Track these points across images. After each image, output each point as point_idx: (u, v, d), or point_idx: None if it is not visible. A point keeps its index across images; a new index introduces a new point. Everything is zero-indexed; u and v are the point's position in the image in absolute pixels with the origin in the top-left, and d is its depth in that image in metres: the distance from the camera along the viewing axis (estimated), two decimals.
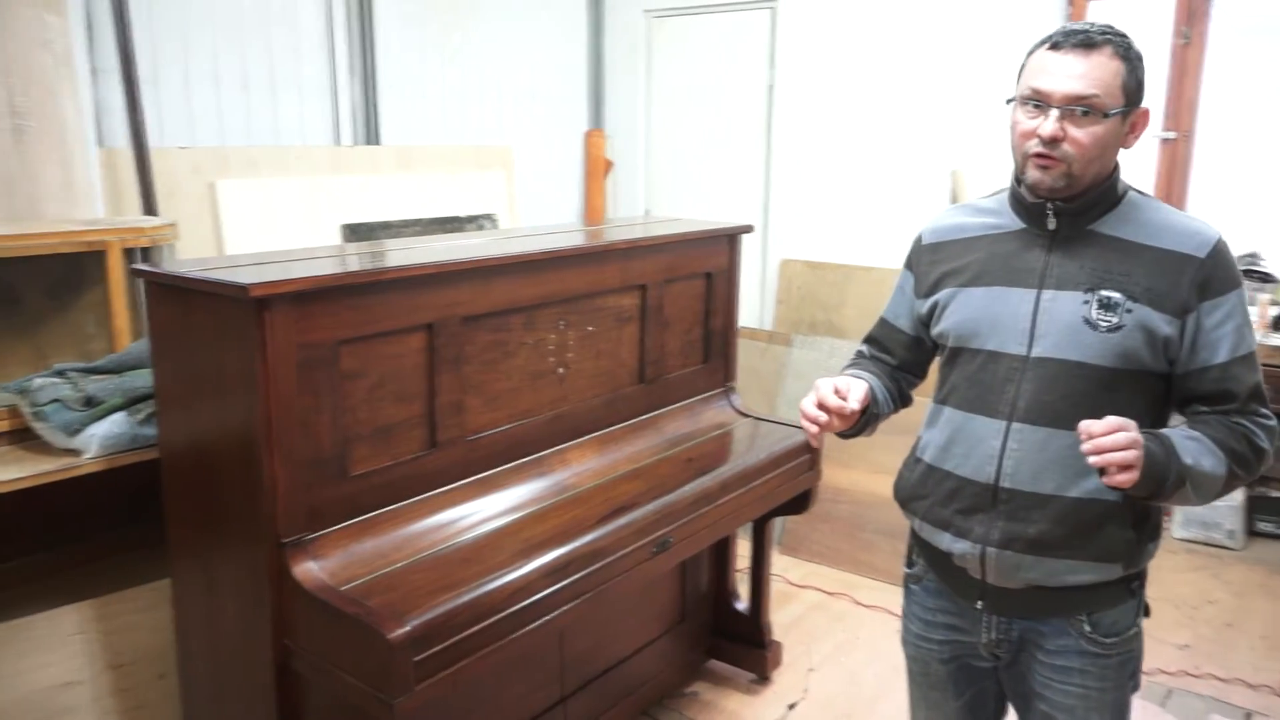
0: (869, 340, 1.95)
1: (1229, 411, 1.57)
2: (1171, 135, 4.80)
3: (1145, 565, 1.66)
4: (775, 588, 3.68)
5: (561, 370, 2.51)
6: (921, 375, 1.93)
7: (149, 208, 3.58)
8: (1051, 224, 1.61)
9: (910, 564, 1.86)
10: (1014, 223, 1.67)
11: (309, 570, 1.91)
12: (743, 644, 3.19)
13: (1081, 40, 1.51)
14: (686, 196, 5.84)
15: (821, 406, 1.63)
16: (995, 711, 1.88)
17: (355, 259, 2.32)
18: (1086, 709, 1.67)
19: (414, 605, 1.84)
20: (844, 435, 1.76)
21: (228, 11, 4.17)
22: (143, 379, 2.48)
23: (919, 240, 1.83)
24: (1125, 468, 1.41)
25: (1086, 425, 1.42)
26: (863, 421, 1.74)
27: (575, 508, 2.33)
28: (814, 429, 1.64)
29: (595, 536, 2.19)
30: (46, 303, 2.81)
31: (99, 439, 2.38)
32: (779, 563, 3.98)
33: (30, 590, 2.59)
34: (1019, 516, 1.60)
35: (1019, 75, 1.62)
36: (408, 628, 1.76)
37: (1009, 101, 1.63)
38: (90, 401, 2.42)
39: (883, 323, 1.92)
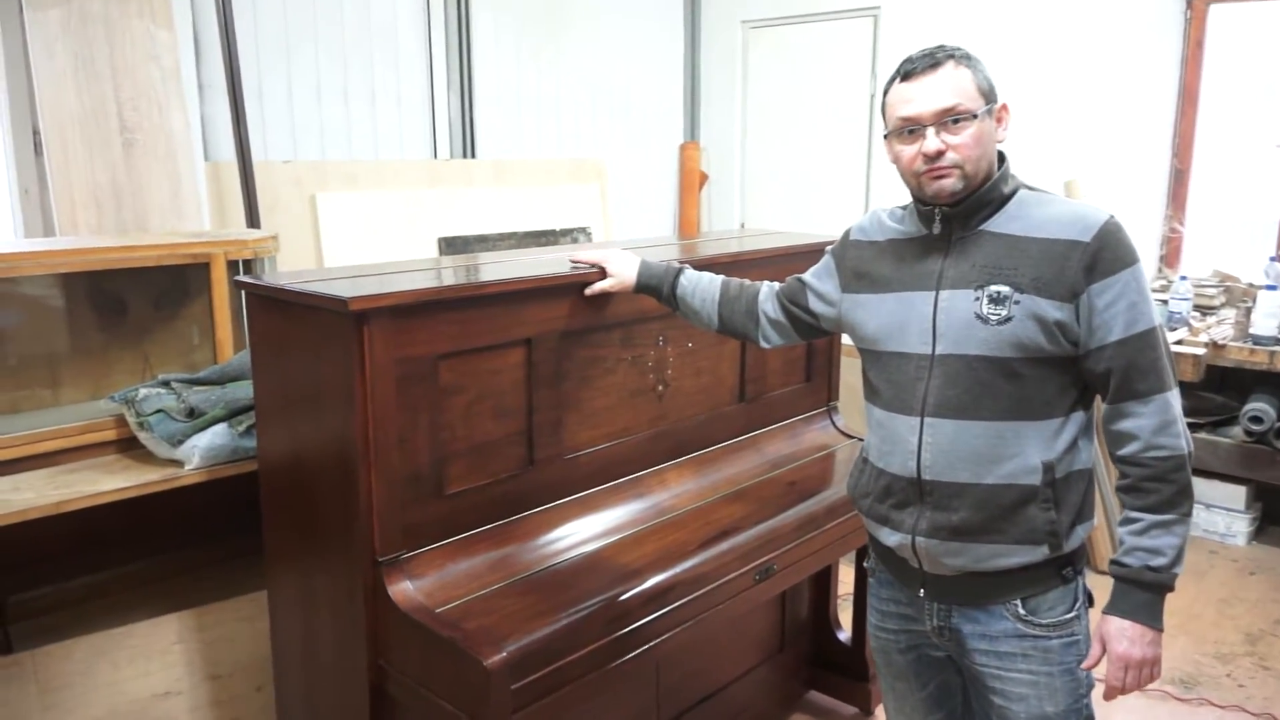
0: (783, 285, 2.06)
1: (1125, 404, 1.60)
2: None
3: (1075, 548, 1.70)
4: None
5: (660, 388, 2.44)
6: (776, 332, 2.05)
7: (252, 220, 3.63)
8: (937, 228, 1.70)
9: (866, 558, 1.96)
10: (918, 230, 1.75)
11: (405, 590, 1.87)
12: (844, 676, 3.06)
13: (927, 63, 1.64)
14: (783, 209, 5.74)
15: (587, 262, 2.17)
16: (964, 704, 1.91)
17: (452, 272, 2.28)
18: (1039, 697, 1.70)
19: (511, 630, 1.78)
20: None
21: (330, 27, 4.23)
22: (244, 390, 2.48)
23: (846, 235, 1.92)
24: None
25: (1111, 692, 1.66)
26: (653, 294, 2.14)
27: (675, 531, 2.25)
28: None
29: (697, 562, 2.11)
30: (152, 313, 2.85)
31: (201, 450, 2.39)
32: None
33: (132, 598, 2.62)
34: (943, 506, 1.68)
35: (884, 114, 1.73)
36: (505, 654, 1.70)
37: (885, 137, 1.73)
38: (193, 412, 2.44)
39: (800, 280, 2.01)
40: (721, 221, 6.01)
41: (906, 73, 1.66)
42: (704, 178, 5.98)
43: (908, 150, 1.66)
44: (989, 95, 1.65)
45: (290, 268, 3.70)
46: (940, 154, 1.62)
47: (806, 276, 1.99)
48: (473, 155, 4.87)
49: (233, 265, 2.72)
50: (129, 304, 2.82)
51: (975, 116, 1.62)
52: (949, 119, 1.61)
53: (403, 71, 4.55)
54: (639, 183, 5.76)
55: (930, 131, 1.62)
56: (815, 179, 5.58)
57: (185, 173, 3.35)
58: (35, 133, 3.19)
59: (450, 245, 4.54)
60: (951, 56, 1.64)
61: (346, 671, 1.98)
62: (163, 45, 3.20)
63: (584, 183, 5.25)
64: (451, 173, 4.67)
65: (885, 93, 1.72)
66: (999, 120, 1.68)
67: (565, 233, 5.08)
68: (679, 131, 6.01)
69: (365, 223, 4.23)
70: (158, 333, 2.86)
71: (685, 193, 5.96)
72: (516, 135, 5.11)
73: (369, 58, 4.40)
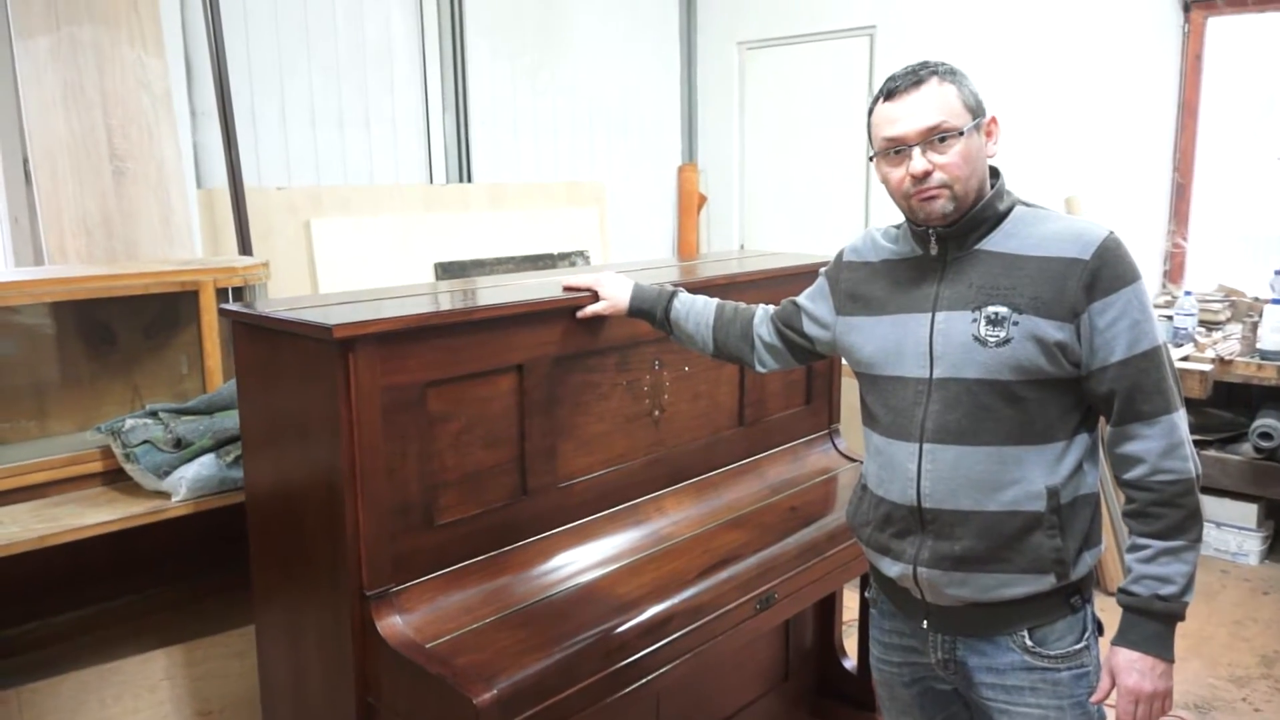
0: (777, 308, 2.02)
1: (1130, 426, 1.55)
2: None
3: (1083, 576, 1.65)
4: None
5: (657, 413, 2.39)
6: (772, 356, 2.00)
7: (245, 247, 3.59)
8: (934, 249, 1.65)
9: (868, 587, 1.90)
10: (912, 250, 1.71)
11: (394, 625, 1.82)
12: (852, 706, 2.99)
13: (910, 81, 1.59)
14: (783, 231, 5.70)
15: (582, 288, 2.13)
16: None
17: (445, 298, 2.24)
18: None
19: (502, 666, 1.72)
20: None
21: (323, 52, 4.21)
22: (232, 420, 2.44)
23: (840, 256, 1.88)
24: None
25: None
26: (647, 317, 2.10)
27: (673, 559, 2.20)
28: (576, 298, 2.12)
29: (695, 592, 2.05)
30: (142, 342, 2.81)
31: (188, 481, 2.34)
32: None
33: (120, 633, 2.56)
34: (945, 535, 1.63)
35: (869, 135, 1.68)
36: (495, 691, 1.65)
37: (872, 158, 1.68)
38: (180, 443, 2.39)
39: (794, 302, 1.97)
40: (721, 243, 5.97)
41: (889, 91, 1.61)
42: (703, 199, 5.95)
43: (895, 172, 1.62)
44: (976, 110, 1.60)
45: (285, 295, 3.66)
46: (927, 174, 1.57)
47: (800, 299, 1.95)
48: (469, 179, 4.84)
49: (223, 293, 2.68)
50: (118, 333, 2.78)
51: (962, 133, 1.57)
52: (935, 137, 1.57)
53: (397, 95, 4.52)
54: (637, 205, 5.72)
55: (916, 151, 1.58)
56: (814, 199, 5.55)
57: (177, 200, 3.32)
58: (24, 161, 3.16)
59: (447, 270, 4.50)
60: (935, 72, 1.60)
61: (335, 708, 1.93)
62: (153, 72, 3.18)
63: (582, 206, 5.22)
64: (447, 197, 4.64)
65: (870, 113, 1.67)
66: (988, 134, 1.63)
67: (563, 256, 5.04)
68: (677, 153, 5.98)
69: (361, 249, 4.20)
70: (147, 362, 2.82)
71: (684, 215, 5.93)
72: (513, 159, 5.08)
73: (363, 82, 4.38)
